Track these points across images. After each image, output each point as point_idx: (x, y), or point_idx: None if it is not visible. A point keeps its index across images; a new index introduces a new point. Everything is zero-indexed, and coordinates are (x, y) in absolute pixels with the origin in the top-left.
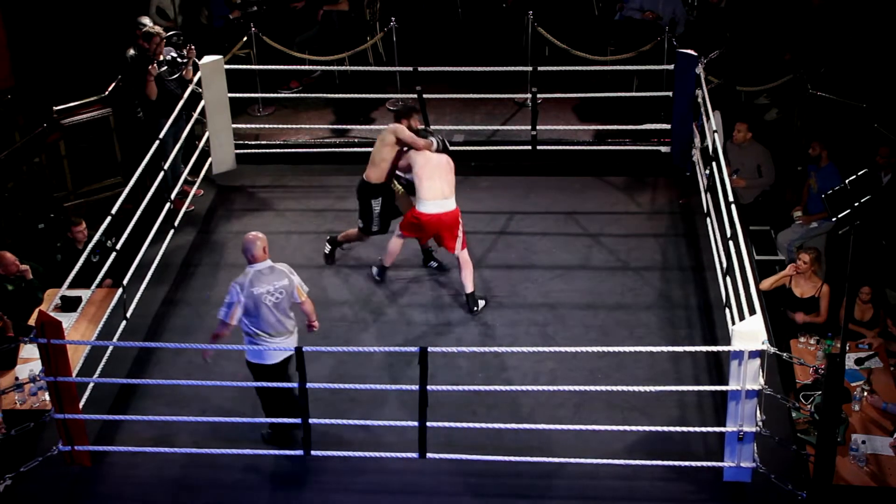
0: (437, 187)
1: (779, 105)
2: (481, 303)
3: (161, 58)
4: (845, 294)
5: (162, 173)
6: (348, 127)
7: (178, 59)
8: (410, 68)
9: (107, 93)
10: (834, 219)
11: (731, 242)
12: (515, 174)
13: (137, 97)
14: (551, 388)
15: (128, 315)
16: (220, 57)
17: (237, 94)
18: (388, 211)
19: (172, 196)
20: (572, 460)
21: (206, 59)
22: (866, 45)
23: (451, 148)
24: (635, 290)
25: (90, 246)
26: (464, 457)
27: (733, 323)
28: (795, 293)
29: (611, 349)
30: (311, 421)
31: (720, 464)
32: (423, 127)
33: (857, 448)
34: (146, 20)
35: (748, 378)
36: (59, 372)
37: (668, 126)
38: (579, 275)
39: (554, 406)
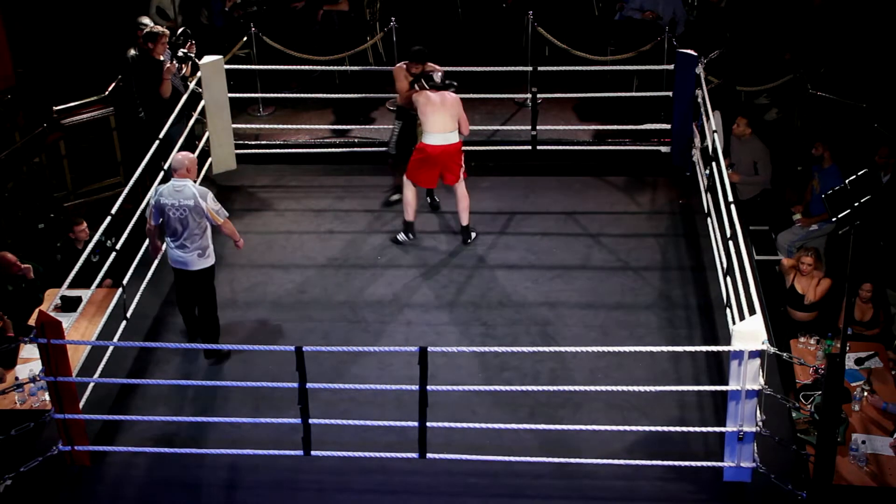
0: (439, 121)
1: (779, 105)
2: (473, 234)
3: (169, 57)
4: (845, 294)
5: (162, 173)
6: (348, 127)
7: (188, 55)
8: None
9: (107, 93)
10: (834, 219)
11: (731, 242)
12: (515, 174)
13: (140, 97)
14: (551, 388)
15: (128, 315)
16: (220, 57)
17: (237, 94)
18: (406, 139)
19: None
20: (572, 460)
21: (206, 59)
22: (866, 45)
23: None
24: (635, 290)
25: (90, 246)
26: (464, 457)
27: (733, 323)
28: (798, 291)
29: (611, 349)
30: (311, 421)
31: (720, 464)
32: (423, 74)
33: (857, 448)
34: (146, 20)
35: (748, 378)
36: (59, 372)
37: (668, 126)
38: (579, 275)
39: (554, 406)
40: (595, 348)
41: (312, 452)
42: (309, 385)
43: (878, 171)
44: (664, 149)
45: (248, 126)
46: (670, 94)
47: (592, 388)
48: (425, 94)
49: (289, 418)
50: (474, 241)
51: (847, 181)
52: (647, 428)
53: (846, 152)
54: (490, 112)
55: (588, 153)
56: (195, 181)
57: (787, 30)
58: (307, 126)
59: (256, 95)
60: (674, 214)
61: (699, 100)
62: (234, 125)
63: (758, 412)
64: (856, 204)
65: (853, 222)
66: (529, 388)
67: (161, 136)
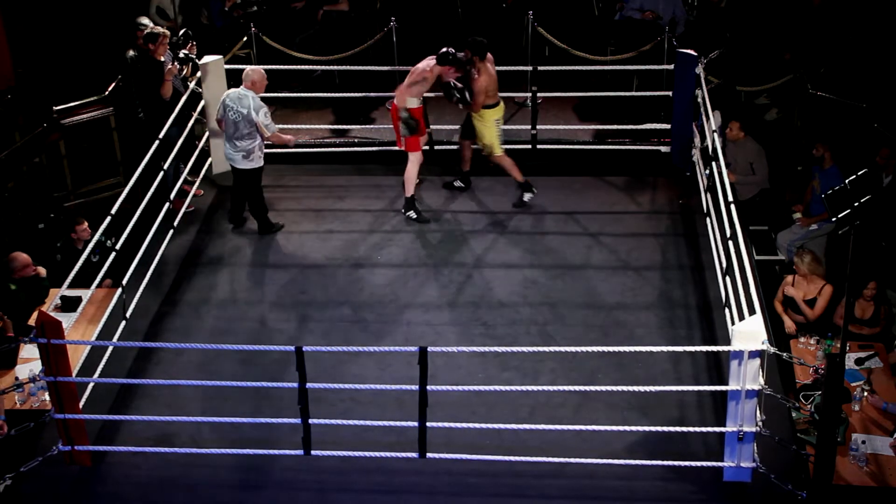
0: None
1: (779, 105)
2: (407, 213)
3: (170, 58)
4: (845, 294)
5: (162, 173)
6: (348, 127)
7: (189, 56)
8: (410, 68)
9: (107, 93)
10: (834, 219)
11: (730, 242)
12: None
13: (140, 97)
14: (551, 388)
15: (127, 315)
16: (220, 57)
17: None
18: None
19: (172, 196)
20: (572, 460)
21: (206, 59)
22: (866, 45)
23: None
24: (635, 289)
25: (90, 246)
26: (464, 457)
27: (733, 323)
28: (797, 297)
29: (611, 349)
30: (311, 421)
31: (720, 464)
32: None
33: (857, 448)
34: (146, 20)
35: (748, 378)
36: (59, 372)
37: (668, 126)
38: (579, 275)
39: (554, 406)
40: (595, 348)
41: (312, 452)
42: (309, 385)
43: (879, 173)
44: (664, 149)
45: None
46: (670, 94)
47: (592, 388)
48: None
49: (289, 418)
50: (406, 217)
51: (847, 181)
52: (647, 428)
53: (846, 152)
54: None
55: (588, 153)
56: (257, 94)
57: (787, 30)
58: (307, 126)
59: (257, 95)
60: (674, 214)
61: (699, 100)
62: None
63: (758, 412)
64: (856, 204)
65: (853, 222)
66: (529, 388)
67: (161, 136)
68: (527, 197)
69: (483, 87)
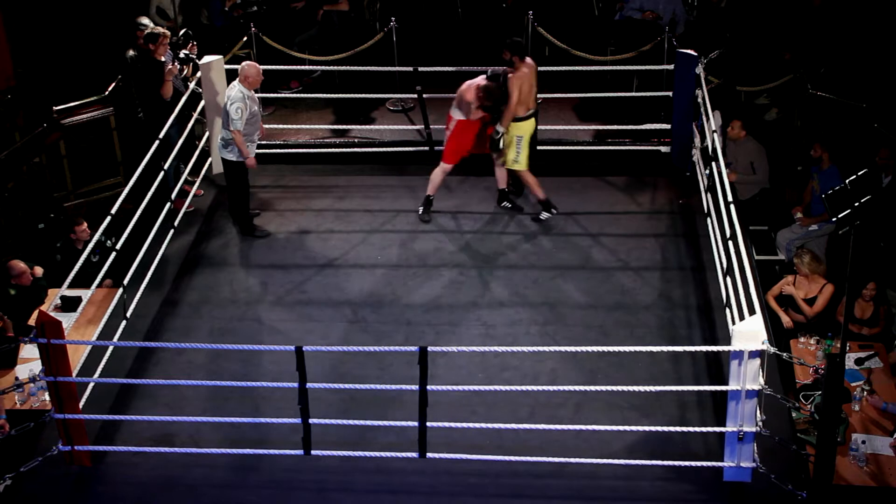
0: None
1: (779, 105)
2: (420, 209)
3: (170, 58)
4: (845, 293)
5: (162, 173)
6: (348, 127)
7: (189, 56)
8: (410, 68)
9: (107, 93)
10: (834, 219)
11: (730, 242)
12: None
13: (140, 97)
14: (551, 388)
15: (128, 315)
16: (220, 57)
17: None
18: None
19: (172, 196)
20: (572, 460)
21: (206, 59)
22: (866, 45)
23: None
24: (635, 290)
25: (90, 246)
26: (464, 457)
27: (733, 323)
28: (798, 295)
29: (611, 349)
30: (311, 421)
31: (720, 464)
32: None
33: (857, 448)
34: (146, 20)
35: (748, 378)
36: (59, 372)
37: (668, 126)
38: (579, 275)
39: (554, 406)
40: (595, 348)
41: (312, 452)
42: (309, 385)
43: (879, 173)
44: (664, 149)
45: None
46: (670, 94)
47: (592, 388)
48: None
49: (289, 418)
50: (430, 220)
51: (847, 181)
52: (647, 428)
53: (846, 152)
54: None
55: (588, 153)
56: (249, 88)
57: (787, 30)
58: (307, 126)
59: (257, 95)
60: (674, 214)
61: (699, 100)
62: None
63: (758, 412)
64: (856, 204)
65: (853, 222)
66: (529, 388)
67: (161, 136)
68: (506, 204)
69: (516, 84)
